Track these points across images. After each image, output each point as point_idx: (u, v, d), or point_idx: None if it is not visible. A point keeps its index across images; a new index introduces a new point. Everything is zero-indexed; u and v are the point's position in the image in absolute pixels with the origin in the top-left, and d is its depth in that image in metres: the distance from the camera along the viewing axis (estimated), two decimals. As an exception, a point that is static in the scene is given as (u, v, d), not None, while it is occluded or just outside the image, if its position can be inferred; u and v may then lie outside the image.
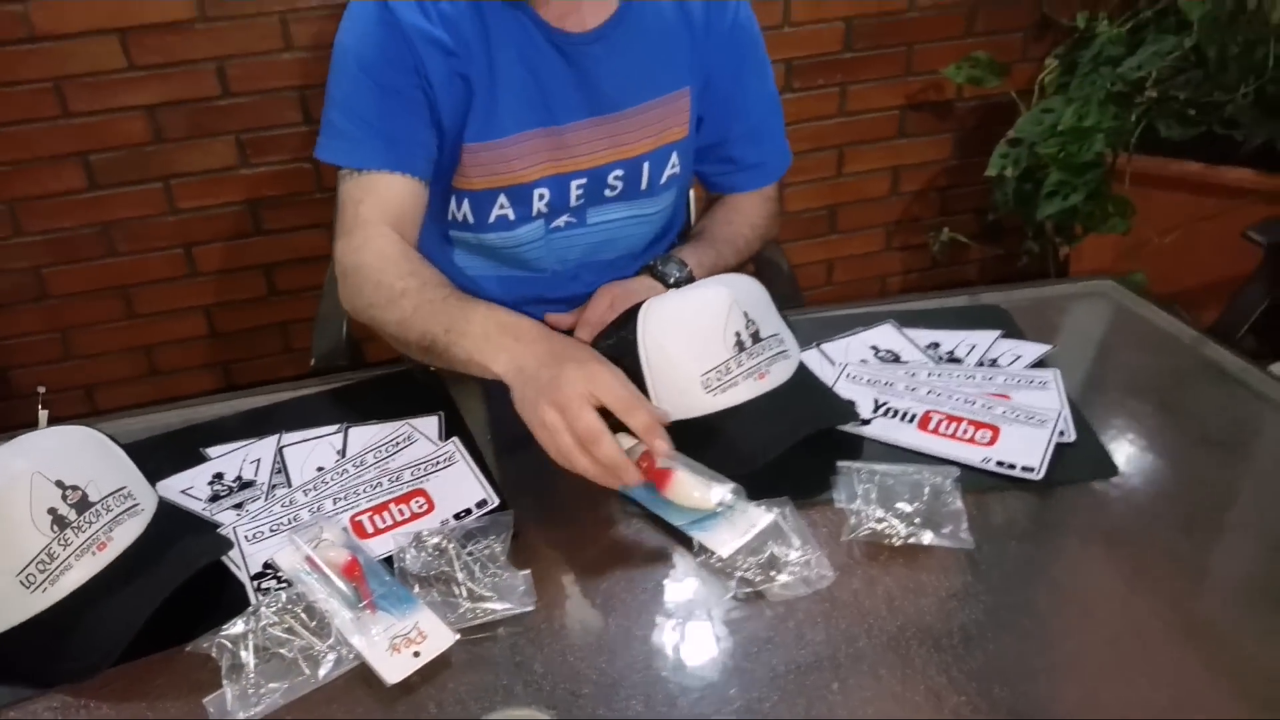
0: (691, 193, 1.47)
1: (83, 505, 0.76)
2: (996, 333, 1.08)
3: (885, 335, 1.09)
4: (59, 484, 0.76)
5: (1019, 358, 1.03)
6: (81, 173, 1.96)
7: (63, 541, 0.74)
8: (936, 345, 1.07)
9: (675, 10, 1.14)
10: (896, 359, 1.05)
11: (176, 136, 1.96)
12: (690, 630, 0.75)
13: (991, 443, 0.90)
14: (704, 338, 0.91)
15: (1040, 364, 1.02)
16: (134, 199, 2.01)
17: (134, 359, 2.19)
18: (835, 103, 2.31)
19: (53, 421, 0.87)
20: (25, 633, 0.73)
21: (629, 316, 0.94)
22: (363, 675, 0.71)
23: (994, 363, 1.03)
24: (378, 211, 1.06)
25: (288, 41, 1.93)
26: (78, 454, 0.80)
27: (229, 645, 0.72)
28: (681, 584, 0.79)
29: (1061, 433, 0.91)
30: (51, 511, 0.75)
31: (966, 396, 0.96)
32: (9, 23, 1.79)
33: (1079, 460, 0.89)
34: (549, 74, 1.10)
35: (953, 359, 1.04)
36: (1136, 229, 1.98)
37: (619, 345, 0.93)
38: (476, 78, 1.08)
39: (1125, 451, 0.91)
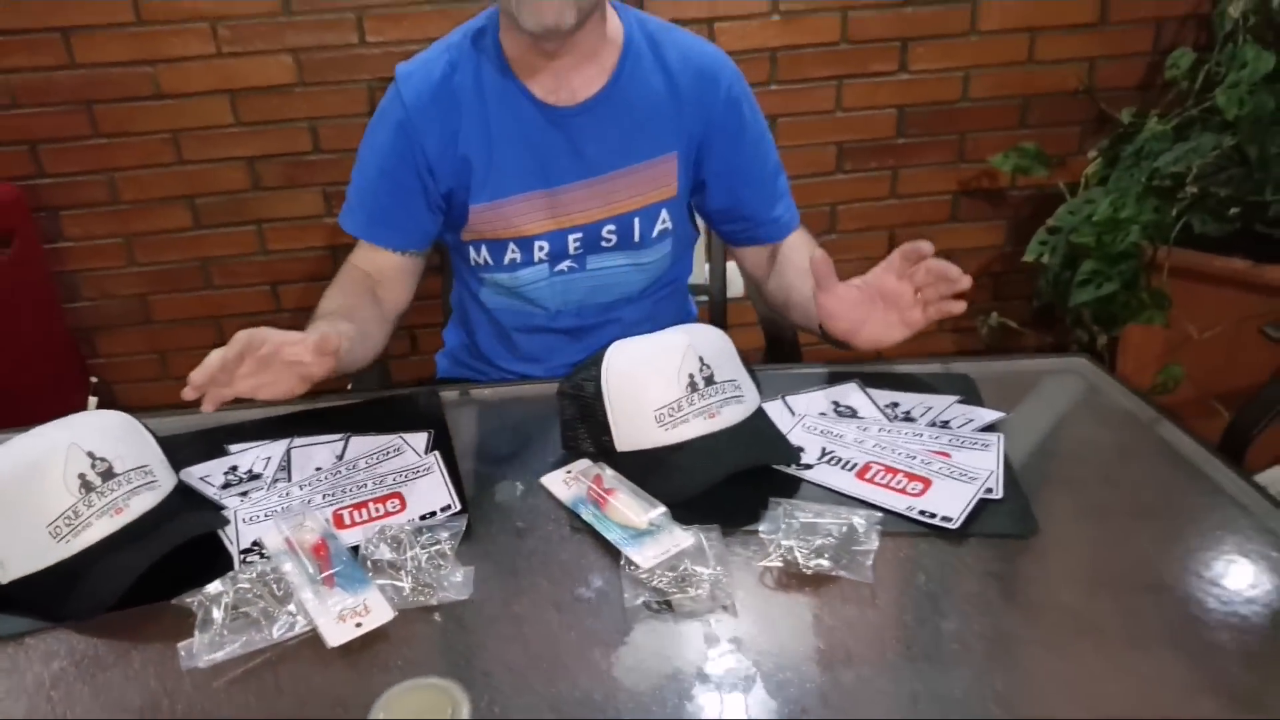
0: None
1: (108, 475, 0.91)
2: (955, 398, 1.14)
3: (847, 392, 1.16)
4: (90, 455, 0.90)
5: (970, 421, 1.09)
6: (188, 213, 2.20)
7: (87, 503, 0.88)
8: (895, 405, 1.13)
9: (664, 83, 1.27)
10: (854, 414, 1.12)
11: (271, 185, 2.20)
12: (601, 629, 0.83)
13: (921, 494, 0.96)
14: (660, 377, 1.01)
15: (990, 429, 1.08)
16: (231, 239, 2.25)
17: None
18: (887, 185, 2.40)
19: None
20: (46, 575, 0.87)
21: (598, 357, 1.05)
22: (311, 640, 0.82)
23: (945, 424, 1.09)
24: (351, 270, 1.33)
25: (373, 107, 2.13)
26: (111, 433, 0.95)
27: (205, 601, 0.84)
28: (603, 589, 0.88)
29: (989, 490, 0.96)
30: (81, 477, 0.89)
31: (909, 452, 1.03)
32: (141, 82, 2.06)
33: (1000, 515, 0.94)
34: (542, 142, 1.25)
35: (907, 418, 1.11)
36: (1179, 324, 1.99)
37: (585, 380, 1.04)
38: (477, 152, 1.25)
39: (1051, 513, 0.95)
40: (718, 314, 1.75)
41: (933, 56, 2.25)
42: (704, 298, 1.73)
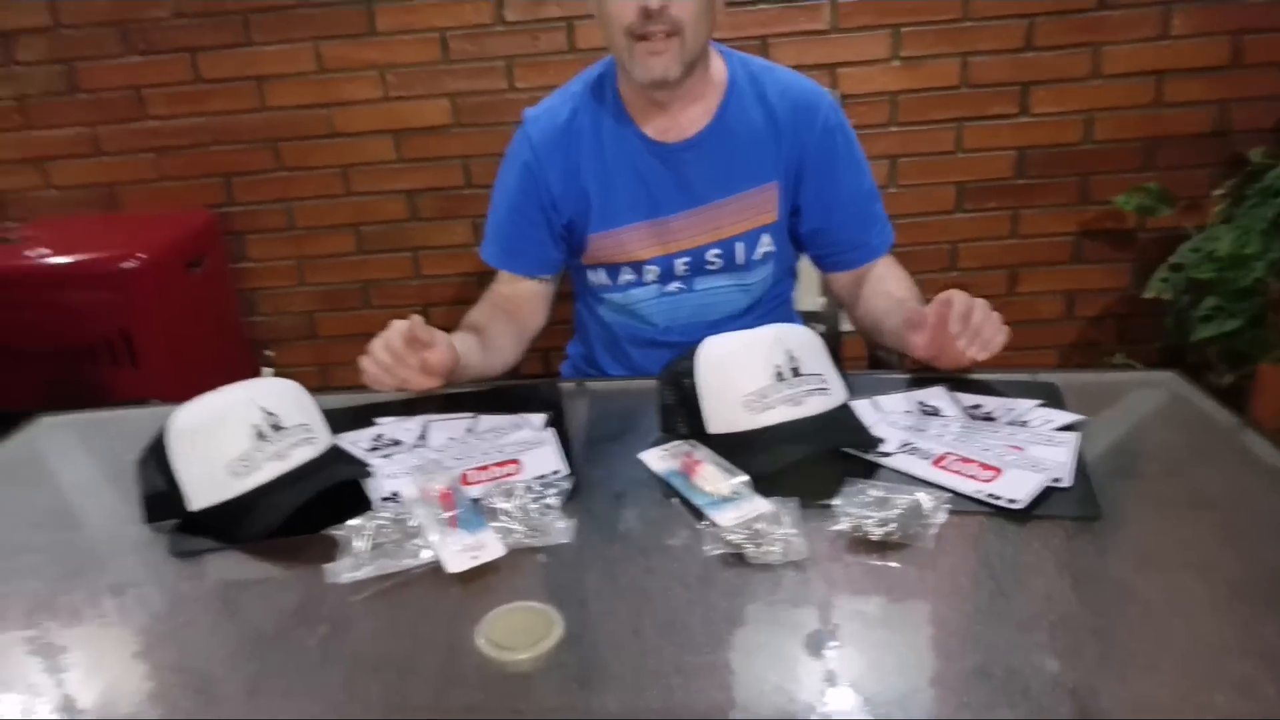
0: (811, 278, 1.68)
1: (277, 428, 1.08)
2: (1037, 401, 1.19)
3: (933, 394, 1.23)
4: (264, 410, 1.08)
5: (1049, 421, 1.14)
6: (353, 240, 2.46)
7: (259, 448, 1.05)
8: (978, 406, 1.20)
9: (764, 118, 1.40)
10: (937, 413, 1.19)
11: (427, 216, 2.43)
12: (681, 572, 0.93)
13: (991, 480, 1.02)
14: (748, 367, 1.11)
15: (1069, 429, 1.12)
16: (389, 264, 2.49)
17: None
18: (1008, 225, 2.43)
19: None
20: (224, 506, 1.04)
21: (695, 349, 1.16)
22: (435, 570, 0.95)
23: (1025, 424, 1.14)
24: (492, 294, 1.52)
25: (520, 145, 2.36)
26: (282, 396, 1.12)
27: (349, 533, 0.99)
28: (686, 541, 0.98)
29: (1058, 480, 1.01)
30: (255, 427, 1.06)
31: (985, 445, 1.09)
32: (318, 122, 2.34)
33: (1065, 500, 0.99)
34: (652, 176, 1.41)
35: (988, 418, 1.17)
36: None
37: (680, 370, 1.15)
38: (594, 186, 1.42)
39: (1115, 501, 0.99)
40: (832, 345, 1.81)
41: (1054, 100, 2.29)
42: (821, 326, 1.81)
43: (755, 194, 1.41)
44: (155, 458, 1.06)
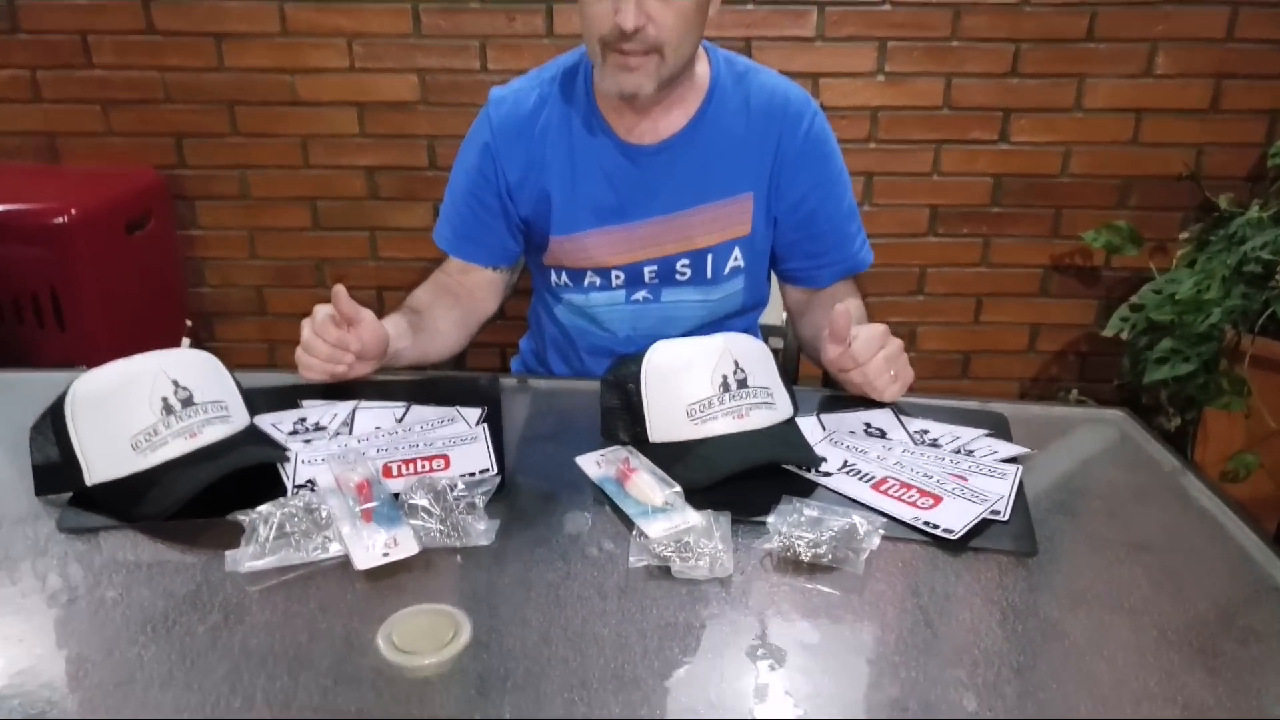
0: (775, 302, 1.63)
1: (188, 402, 1.02)
2: (984, 431, 1.16)
3: (880, 416, 1.19)
4: (175, 382, 1.01)
5: (994, 452, 1.11)
6: (309, 214, 2.39)
7: (166, 423, 0.99)
8: (925, 432, 1.16)
9: (744, 122, 1.33)
10: (883, 435, 1.16)
11: (387, 196, 2.37)
12: (602, 581, 0.89)
13: (930, 509, 0.99)
14: (694, 375, 1.07)
15: (1013, 461, 1.10)
16: (346, 242, 2.42)
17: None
18: (979, 253, 2.41)
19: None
20: (124, 482, 0.98)
21: (641, 353, 1.12)
22: (342, 564, 0.90)
23: (970, 453, 1.11)
24: (441, 275, 1.46)
25: (488, 130, 2.30)
26: (197, 368, 1.06)
27: (255, 519, 0.93)
28: (610, 550, 0.93)
29: (996, 512, 0.98)
30: (164, 400, 1.00)
31: (927, 472, 1.06)
32: (280, 88, 2.27)
33: (1002, 534, 0.96)
34: (621, 179, 1.34)
35: (934, 444, 1.14)
36: (1260, 416, 1.94)
37: (625, 374, 1.11)
38: (558, 186, 1.35)
39: (1052, 538, 0.97)
40: (790, 360, 1.78)
41: (1035, 129, 2.28)
42: (779, 341, 1.77)
43: (729, 204, 1.35)
44: (52, 426, 1.00)
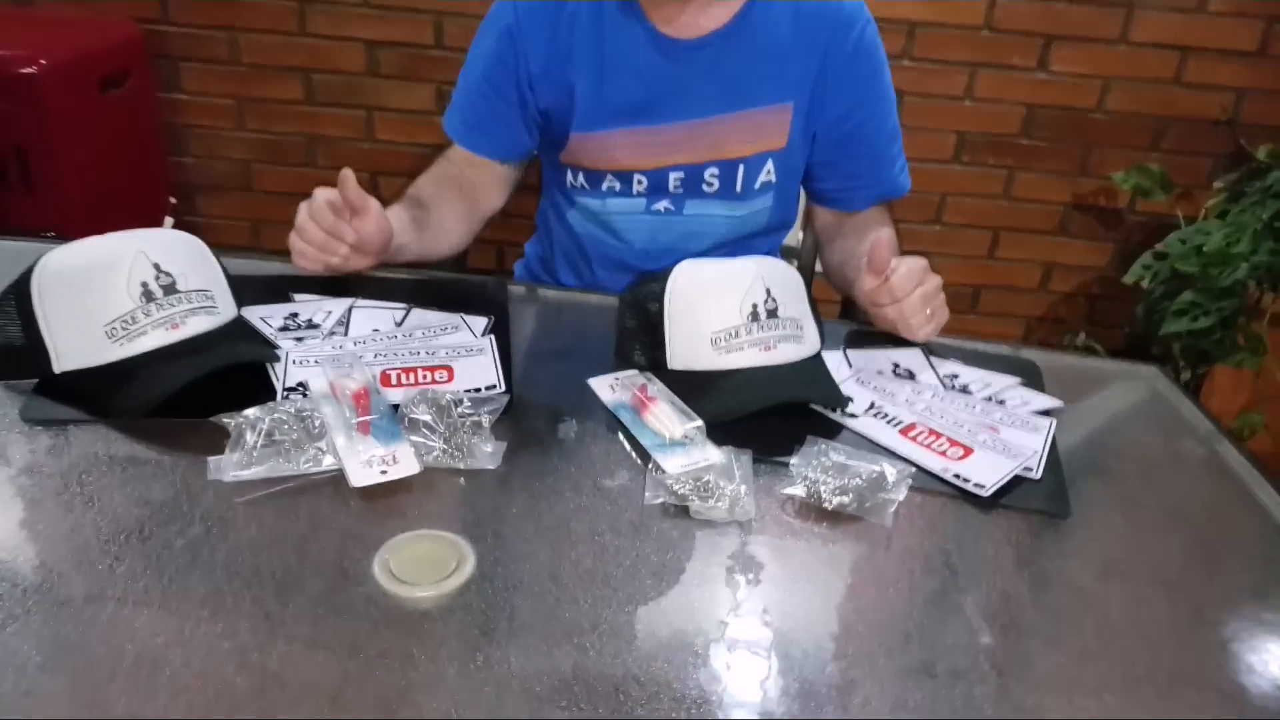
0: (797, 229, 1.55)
1: (170, 290, 0.93)
2: (1017, 379, 1.10)
3: (910, 356, 1.13)
4: (156, 266, 0.92)
5: (1026, 404, 1.05)
6: (302, 87, 2.25)
7: (145, 311, 0.91)
8: (955, 376, 1.10)
9: (792, 26, 1.22)
10: (912, 377, 1.09)
11: (387, 74, 2.23)
12: (615, 518, 0.83)
13: (960, 459, 0.94)
14: (723, 300, 0.99)
15: (1046, 414, 1.04)
16: (340, 120, 2.29)
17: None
18: (1001, 184, 2.32)
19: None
20: (96, 372, 0.90)
21: (666, 271, 1.04)
22: (336, 479, 0.83)
23: (1001, 402, 1.06)
24: (447, 164, 1.35)
25: (500, 12, 2.15)
26: (180, 252, 0.97)
27: (242, 424, 0.86)
28: (624, 484, 0.87)
29: (1029, 469, 0.93)
30: (143, 285, 0.91)
31: (958, 420, 1.00)
32: (275, -55, 2.10)
33: (1034, 492, 0.92)
34: (653, 75, 1.23)
35: (964, 390, 1.08)
36: (1270, 374, 1.90)
37: (647, 293, 1.03)
38: (584, 79, 1.24)
39: (1085, 501, 0.92)
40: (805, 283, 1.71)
41: (1075, 59, 2.16)
42: (794, 261, 1.69)
43: (767, 113, 1.25)
44: (17, 304, 0.91)
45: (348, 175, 1.09)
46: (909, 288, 1.09)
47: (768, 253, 1.47)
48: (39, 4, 2.16)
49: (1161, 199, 2.12)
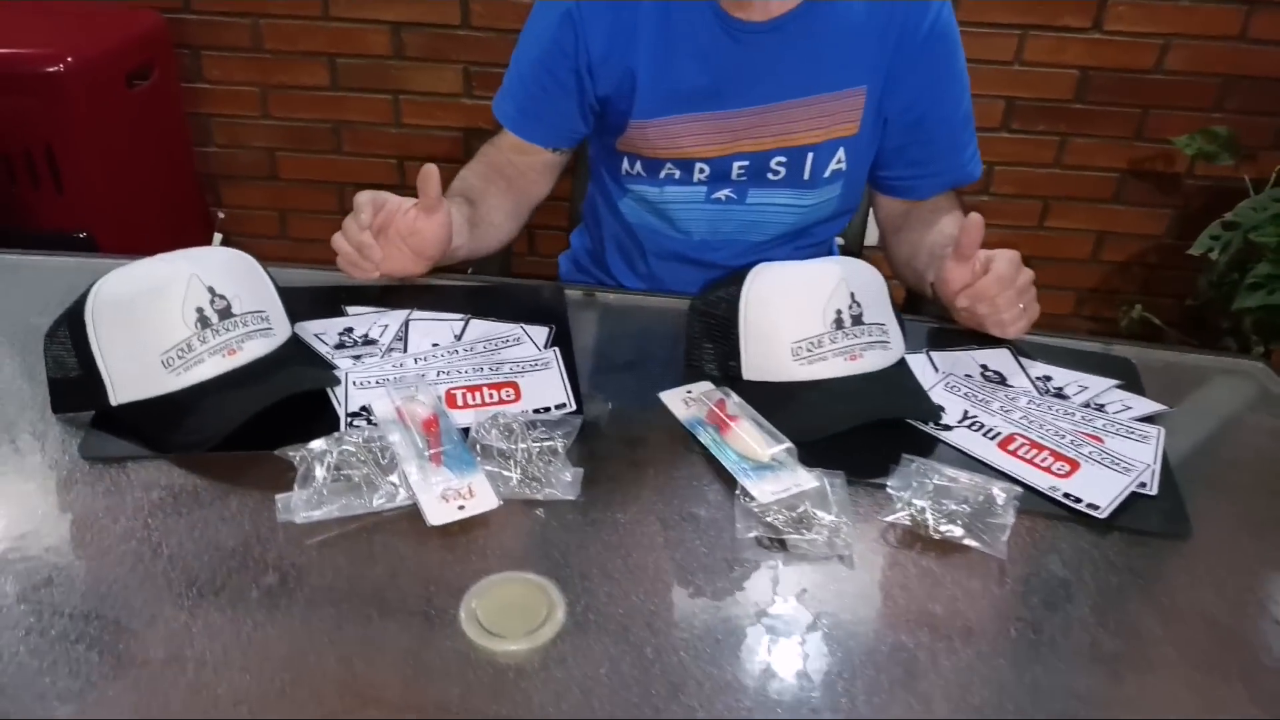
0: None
1: (225, 314, 0.88)
2: (1114, 382, 1.04)
3: (999, 358, 1.07)
4: (211, 290, 0.88)
5: (1128, 409, 0.99)
6: (327, 72, 2.18)
7: (201, 338, 0.86)
8: (1048, 379, 1.04)
9: (865, 7, 1.15)
10: (1003, 381, 1.03)
11: (414, 56, 2.15)
12: (707, 554, 0.78)
13: (1067, 475, 0.88)
14: (804, 307, 0.94)
15: (1150, 421, 0.98)
16: (366, 105, 2.22)
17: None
18: (1052, 152, 2.23)
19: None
20: (154, 404, 0.85)
21: (740, 274, 0.98)
22: (411, 515, 0.79)
23: (1101, 407, 0.99)
24: (494, 152, 1.29)
25: (531, -12, 2.07)
26: (234, 272, 0.92)
27: (309, 457, 0.81)
28: (714, 514, 0.82)
29: (1143, 484, 0.87)
30: (199, 310, 0.86)
31: (1059, 430, 0.94)
32: (300, -72, 2.03)
33: (1151, 512, 0.85)
34: (722, 59, 1.16)
35: (1059, 395, 1.02)
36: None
37: (721, 299, 0.97)
38: (647, 64, 1.17)
39: (1207, 519, 0.86)
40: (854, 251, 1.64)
41: (1133, 17, 2.05)
42: (840, 240, 1.63)
43: (839, 98, 1.18)
44: (71, 333, 0.86)
45: (430, 173, 1.04)
46: (1005, 284, 1.03)
47: (827, 240, 1.41)
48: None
49: (1229, 163, 2.02)
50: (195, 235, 2.27)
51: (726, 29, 1.15)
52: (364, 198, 1.07)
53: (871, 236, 1.66)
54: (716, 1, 1.14)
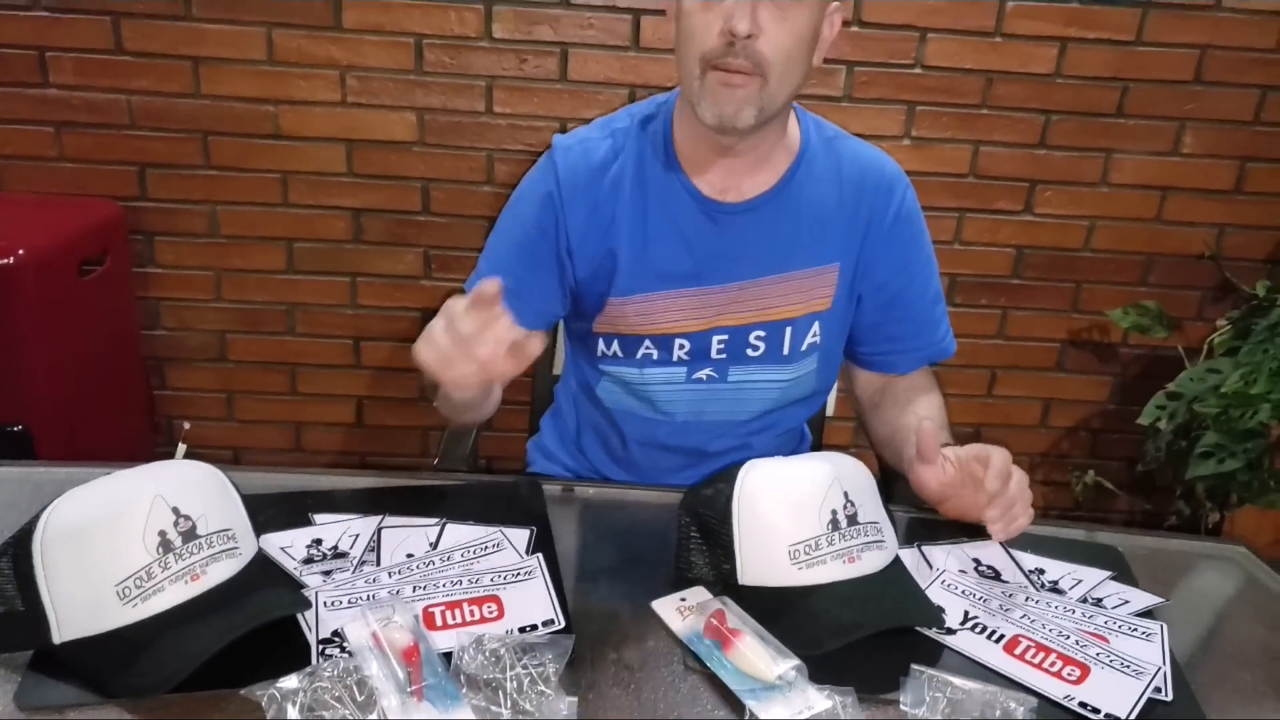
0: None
1: (189, 535, 0.82)
2: (1106, 573, 1.03)
3: (990, 551, 1.05)
4: (175, 511, 0.82)
5: (1126, 603, 0.98)
6: (284, 256, 2.17)
7: (163, 564, 0.80)
8: (1041, 572, 1.02)
9: (835, 189, 1.20)
10: (997, 576, 1.01)
11: (373, 240, 2.16)
12: (720, 799, 0.73)
13: (1079, 681, 0.85)
14: (799, 508, 0.91)
15: (1148, 615, 0.96)
16: (322, 287, 2.21)
17: (284, 433, 2.34)
18: (995, 324, 2.31)
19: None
20: (105, 641, 0.78)
21: (730, 473, 0.96)
22: (393, 759, 0.72)
23: (1098, 602, 0.97)
24: None
25: (489, 176, 2.12)
26: (199, 489, 0.86)
27: (279, 697, 0.74)
28: (723, 749, 0.77)
29: (1158, 689, 0.85)
30: (161, 534, 0.80)
31: (1062, 629, 0.91)
32: (260, 120, 2.06)
33: (1168, 717, 0.83)
34: (699, 240, 1.19)
35: (1055, 589, 1.00)
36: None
37: (713, 498, 0.94)
38: (627, 245, 1.19)
39: (1225, 725, 0.83)
40: (815, 431, 1.64)
41: (1060, 202, 2.18)
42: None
43: (813, 274, 1.21)
44: (14, 563, 0.79)
45: (489, 288, 0.89)
46: (1021, 493, 1.06)
47: (798, 427, 1.41)
48: (10, 187, 2.07)
49: (1162, 335, 2.11)
50: (136, 420, 2.19)
51: (705, 210, 1.18)
52: (450, 305, 0.93)
53: (832, 408, 1.66)
54: (693, 185, 1.17)
